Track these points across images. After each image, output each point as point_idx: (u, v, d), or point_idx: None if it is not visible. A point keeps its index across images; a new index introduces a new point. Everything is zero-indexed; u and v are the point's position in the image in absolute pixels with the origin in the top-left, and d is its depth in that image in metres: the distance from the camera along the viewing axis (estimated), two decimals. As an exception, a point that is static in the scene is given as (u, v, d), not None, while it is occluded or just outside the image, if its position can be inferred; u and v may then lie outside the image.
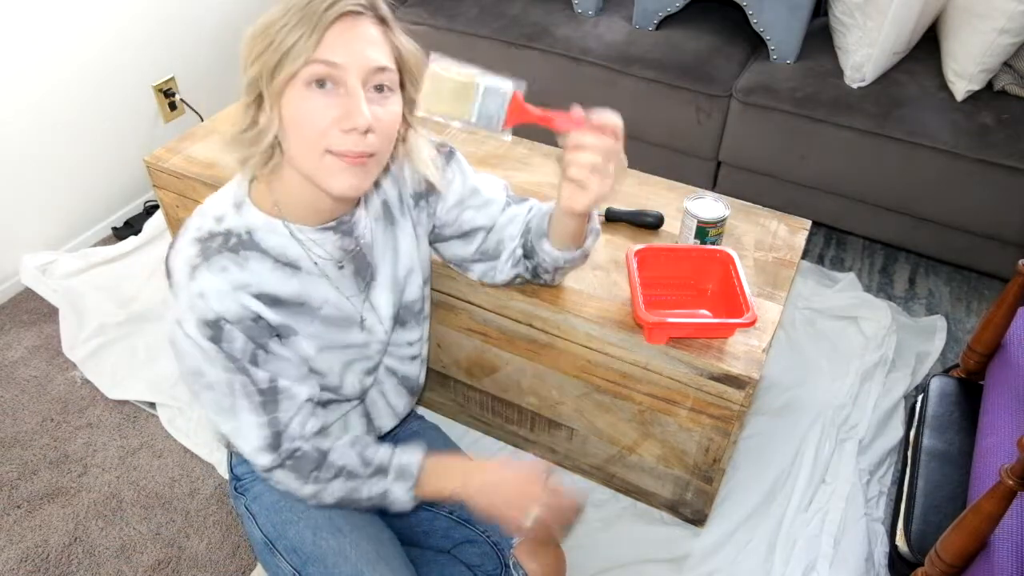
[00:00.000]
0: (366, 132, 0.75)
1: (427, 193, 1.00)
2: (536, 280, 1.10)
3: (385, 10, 0.78)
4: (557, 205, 0.92)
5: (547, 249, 0.99)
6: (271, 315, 0.84)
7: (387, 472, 0.93)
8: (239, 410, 0.85)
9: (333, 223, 0.87)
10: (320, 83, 0.74)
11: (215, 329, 0.79)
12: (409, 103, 0.83)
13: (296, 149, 0.77)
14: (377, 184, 0.95)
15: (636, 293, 1.09)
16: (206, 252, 0.80)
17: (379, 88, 0.77)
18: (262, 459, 0.88)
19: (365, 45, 0.75)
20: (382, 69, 0.76)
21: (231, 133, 0.80)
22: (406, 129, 0.87)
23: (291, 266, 0.86)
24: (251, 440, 0.87)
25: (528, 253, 1.04)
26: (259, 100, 0.76)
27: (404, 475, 0.93)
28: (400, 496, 0.93)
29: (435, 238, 1.06)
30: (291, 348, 0.88)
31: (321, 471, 0.91)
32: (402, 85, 0.81)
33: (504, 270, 1.07)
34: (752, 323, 1.05)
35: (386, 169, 0.95)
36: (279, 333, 0.86)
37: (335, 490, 0.92)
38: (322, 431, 0.92)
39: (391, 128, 0.79)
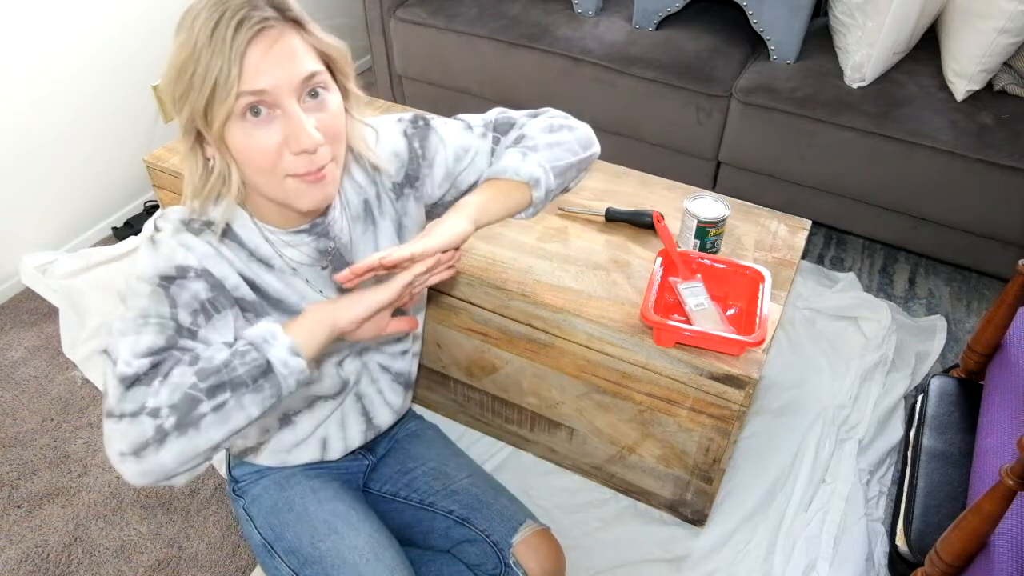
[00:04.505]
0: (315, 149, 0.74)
1: (410, 180, 0.96)
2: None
3: (295, 10, 0.73)
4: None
5: None
6: (248, 294, 0.82)
7: (254, 344, 0.74)
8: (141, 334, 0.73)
9: (307, 226, 0.85)
10: (255, 111, 0.71)
11: (179, 273, 0.76)
12: (343, 92, 0.79)
13: (254, 178, 0.76)
14: (355, 181, 0.92)
15: (650, 292, 1.09)
16: (190, 228, 0.80)
17: (314, 94, 0.74)
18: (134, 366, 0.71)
19: (287, 60, 0.71)
20: (311, 76, 0.73)
21: (194, 187, 0.78)
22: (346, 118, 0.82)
23: (264, 263, 0.85)
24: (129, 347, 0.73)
25: None
26: (200, 138, 0.74)
27: (271, 337, 0.75)
28: (281, 355, 0.74)
29: (434, 209, 1.02)
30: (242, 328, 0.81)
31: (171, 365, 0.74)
32: (333, 77, 0.78)
33: None
34: (758, 343, 1.03)
35: (360, 167, 0.92)
36: (248, 310, 0.82)
37: (186, 377, 0.71)
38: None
39: (338, 128, 0.77)
